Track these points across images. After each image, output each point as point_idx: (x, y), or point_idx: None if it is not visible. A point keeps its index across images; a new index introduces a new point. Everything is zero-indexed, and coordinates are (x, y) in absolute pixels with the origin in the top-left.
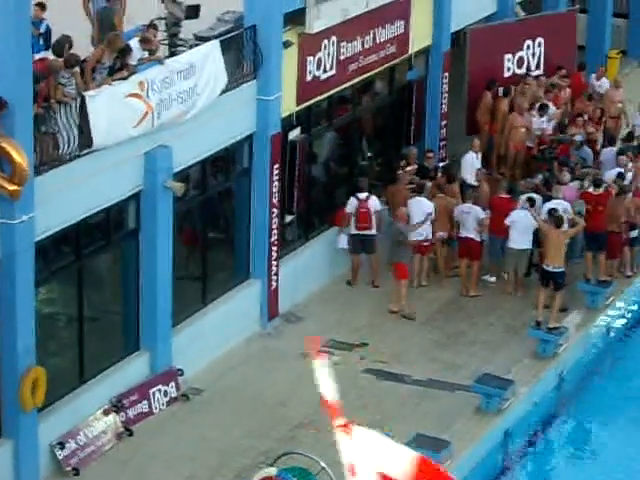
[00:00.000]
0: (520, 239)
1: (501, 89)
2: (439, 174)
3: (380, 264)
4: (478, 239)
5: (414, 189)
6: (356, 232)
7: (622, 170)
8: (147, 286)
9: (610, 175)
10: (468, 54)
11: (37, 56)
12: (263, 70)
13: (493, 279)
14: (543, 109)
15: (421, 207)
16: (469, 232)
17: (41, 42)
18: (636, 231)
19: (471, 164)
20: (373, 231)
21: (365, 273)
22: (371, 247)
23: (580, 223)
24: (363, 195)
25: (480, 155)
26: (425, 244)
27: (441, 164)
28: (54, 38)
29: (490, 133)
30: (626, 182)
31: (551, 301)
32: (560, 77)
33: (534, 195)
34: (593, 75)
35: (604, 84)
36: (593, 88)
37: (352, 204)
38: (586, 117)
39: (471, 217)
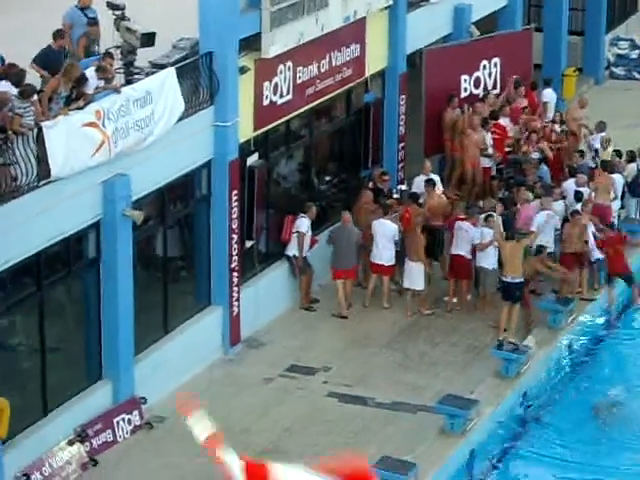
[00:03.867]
0: (494, 257)
1: (457, 110)
2: (395, 195)
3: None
4: (469, 257)
5: (382, 210)
6: None
7: (580, 189)
8: (108, 315)
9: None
10: (424, 75)
11: None
12: (220, 96)
13: (455, 300)
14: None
15: (385, 230)
16: (461, 249)
17: None
18: (597, 250)
19: (421, 187)
20: (288, 249)
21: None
22: (291, 266)
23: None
24: (300, 215)
25: (433, 178)
26: (387, 266)
27: (400, 186)
28: None
29: (451, 152)
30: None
31: (510, 315)
32: (518, 94)
33: (493, 214)
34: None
35: (548, 94)
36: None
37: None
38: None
39: (468, 236)
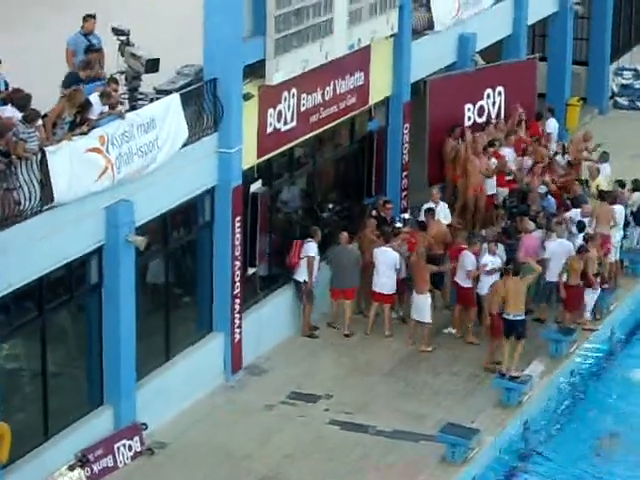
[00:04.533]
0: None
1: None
2: (398, 224)
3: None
4: (466, 285)
5: (384, 238)
6: None
7: (582, 219)
8: (110, 341)
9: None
10: (428, 104)
11: None
12: (224, 123)
13: (454, 330)
14: None
15: (386, 258)
16: (459, 277)
17: None
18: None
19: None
20: (297, 274)
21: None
22: (298, 291)
23: (536, 269)
24: (307, 239)
25: (441, 205)
26: (387, 294)
27: (402, 214)
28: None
29: (453, 180)
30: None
31: (513, 350)
32: (518, 123)
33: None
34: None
35: (551, 124)
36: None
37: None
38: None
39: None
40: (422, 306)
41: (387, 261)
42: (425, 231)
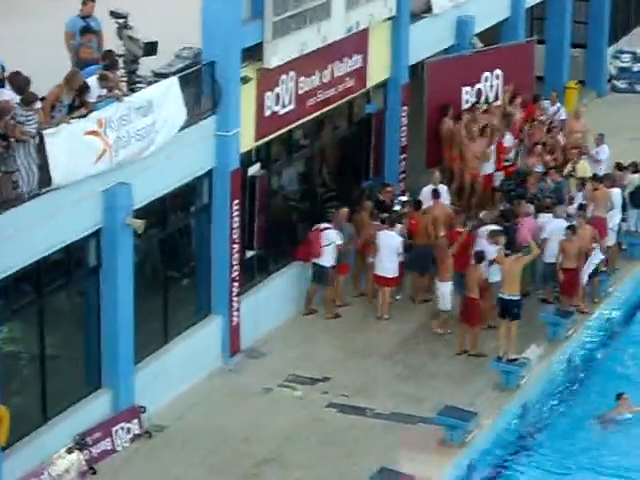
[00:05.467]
0: (495, 271)
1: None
2: (397, 207)
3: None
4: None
5: (383, 221)
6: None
7: (584, 202)
8: (108, 323)
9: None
10: (426, 87)
11: None
12: (222, 106)
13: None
14: None
15: (389, 242)
16: None
17: None
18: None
19: (429, 197)
20: (323, 261)
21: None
22: (321, 277)
23: (534, 251)
24: (322, 225)
25: (440, 188)
26: (390, 277)
27: (400, 197)
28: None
29: (449, 162)
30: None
31: (508, 332)
32: (514, 106)
33: (495, 227)
34: (547, 102)
35: (557, 109)
36: (546, 114)
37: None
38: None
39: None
40: (443, 293)
41: (391, 245)
42: (419, 209)
